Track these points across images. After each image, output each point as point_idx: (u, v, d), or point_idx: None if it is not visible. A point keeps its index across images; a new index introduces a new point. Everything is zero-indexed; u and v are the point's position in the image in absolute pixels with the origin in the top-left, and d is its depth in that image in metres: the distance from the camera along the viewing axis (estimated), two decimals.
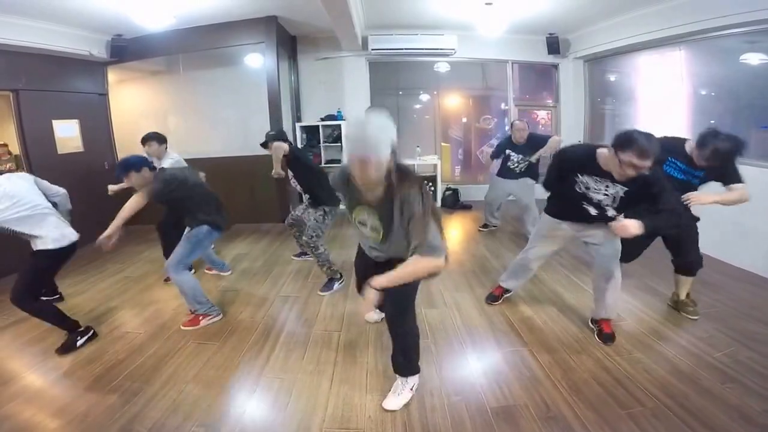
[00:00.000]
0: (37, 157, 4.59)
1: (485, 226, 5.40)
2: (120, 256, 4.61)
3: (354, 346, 2.68)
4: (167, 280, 3.84)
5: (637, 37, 5.15)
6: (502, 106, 7.19)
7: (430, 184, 6.85)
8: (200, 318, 3.03)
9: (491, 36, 6.05)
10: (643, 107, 5.76)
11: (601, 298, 2.67)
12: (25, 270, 2.72)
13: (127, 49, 5.42)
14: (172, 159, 3.72)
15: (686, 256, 2.87)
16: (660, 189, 2.21)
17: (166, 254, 3.75)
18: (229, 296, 3.53)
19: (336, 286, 3.56)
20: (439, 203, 6.89)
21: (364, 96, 6.64)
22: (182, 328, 2.98)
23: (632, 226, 2.16)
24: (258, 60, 5.70)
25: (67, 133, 5.01)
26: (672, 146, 2.68)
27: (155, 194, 2.83)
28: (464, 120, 7.42)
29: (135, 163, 2.83)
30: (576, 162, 2.41)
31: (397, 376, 2.20)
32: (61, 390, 2.33)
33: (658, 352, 2.50)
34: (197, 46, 5.51)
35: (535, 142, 4.58)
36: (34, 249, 2.68)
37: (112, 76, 5.83)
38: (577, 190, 2.41)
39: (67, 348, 2.74)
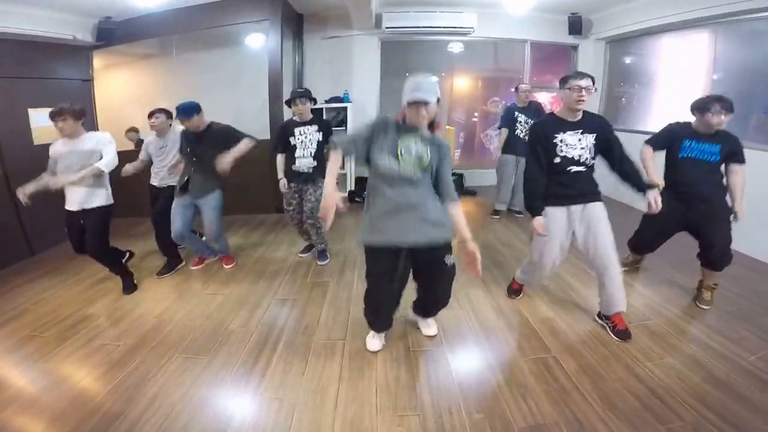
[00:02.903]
0: (10, 148, 4.34)
1: (496, 212, 5.34)
2: None
3: (361, 357, 2.46)
4: (160, 273, 3.78)
5: (666, 18, 4.95)
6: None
7: None
8: (205, 260, 3.94)
9: (513, 14, 5.90)
10: (664, 91, 5.61)
11: (609, 291, 2.62)
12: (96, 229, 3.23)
13: (115, 32, 5.17)
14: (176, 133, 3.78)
15: (714, 250, 2.88)
16: (611, 128, 2.63)
17: (162, 242, 3.85)
18: (218, 301, 3.27)
19: (329, 255, 4.03)
20: None
21: (374, 77, 6.43)
22: (192, 268, 3.84)
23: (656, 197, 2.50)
24: (259, 39, 5.47)
25: (46, 123, 4.61)
26: (681, 129, 2.95)
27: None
28: (468, 102, 7.22)
29: (197, 106, 3.36)
30: (548, 125, 2.62)
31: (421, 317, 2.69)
32: (36, 414, 2.11)
33: (689, 355, 2.39)
34: (195, 26, 5.26)
35: (535, 105, 5.01)
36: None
37: (99, 60, 5.59)
38: (559, 154, 2.57)
39: (130, 289, 3.46)
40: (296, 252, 4.19)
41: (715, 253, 2.86)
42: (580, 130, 2.55)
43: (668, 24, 5.03)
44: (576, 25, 6.28)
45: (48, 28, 4.58)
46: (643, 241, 3.28)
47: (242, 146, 3.41)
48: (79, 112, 3.10)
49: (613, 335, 2.61)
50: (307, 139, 3.54)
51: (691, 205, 2.89)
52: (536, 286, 3.16)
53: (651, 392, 2.09)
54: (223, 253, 3.93)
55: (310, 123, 3.57)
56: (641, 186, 2.54)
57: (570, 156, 2.57)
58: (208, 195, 3.51)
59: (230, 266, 3.89)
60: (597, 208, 2.61)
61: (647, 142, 3.06)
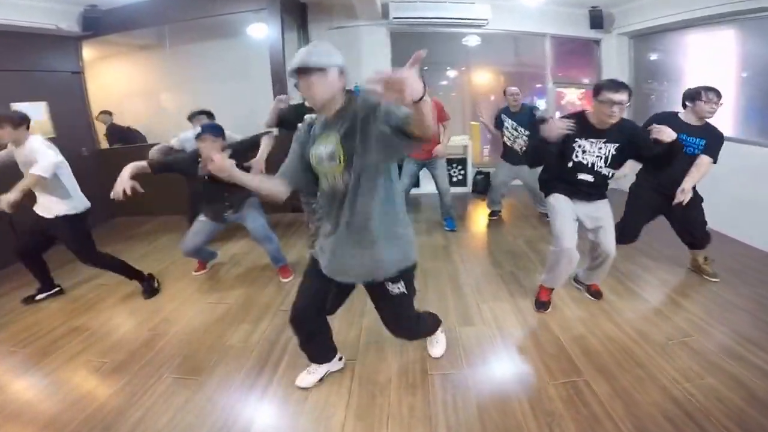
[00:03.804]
0: None
1: (494, 213, 5.17)
2: None
3: (372, 381, 2.28)
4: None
5: (690, 13, 4.82)
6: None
7: (460, 167, 6.62)
8: (288, 267, 3.63)
9: (529, 5, 5.77)
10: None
11: (597, 272, 2.94)
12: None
13: (101, 21, 5.05)
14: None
15: (695, 234, 3.22)
16: (641, 133, 2.59)
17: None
18: (219, 311, 3.09)
19: None
20: (470, 188, 6.59)
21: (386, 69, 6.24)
22: (282, 280, 3.54)
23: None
24: (259, 30, 5.33)
25: (33, 117, 4.46)
26: (667, 120, 2.89)
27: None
28: (492, 98, 7.10)
29: (222, 130, 3.12)
30: (577, 126, 2.54)
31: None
32: None
33: (731, 374, 2.25)
34: (185, 16, 5.11)
35: (530, 112, 4.55)
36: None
37: (90, 52, 5.47)
38: (574, 159, 2.60)
39: (149, 293, 3.37)
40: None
41: (697, 237, 3.22)
42: (604, 139, 2.55)
43: (692, 19, 4.89)
44: (597, 19, 6.13)
45: (29, 17, 4.43)
46: (627, 228, 3.23)
47: (264, 147, 3.29)
48: (18, 120, 2.97)
49: (588, 296, 3.10)
50: None
51: (670, 196, 3.03)
52: (563, 283, 2.97)
53: (688, 417, 1.96)
54: (278, 262, 3.61)
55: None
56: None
57: (585, 163, 2.60)
58: (248, 201, 3.39)
59: (288, 278, 3.58)
60: (601, 204, 2.74)
61: None
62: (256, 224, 3.39)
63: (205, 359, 2.51)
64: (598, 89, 2.44)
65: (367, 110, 1.53)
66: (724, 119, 4.58)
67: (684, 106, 3.04)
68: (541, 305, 2.97)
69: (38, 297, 3.34)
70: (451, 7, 5.76)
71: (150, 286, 3.42)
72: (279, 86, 5.02)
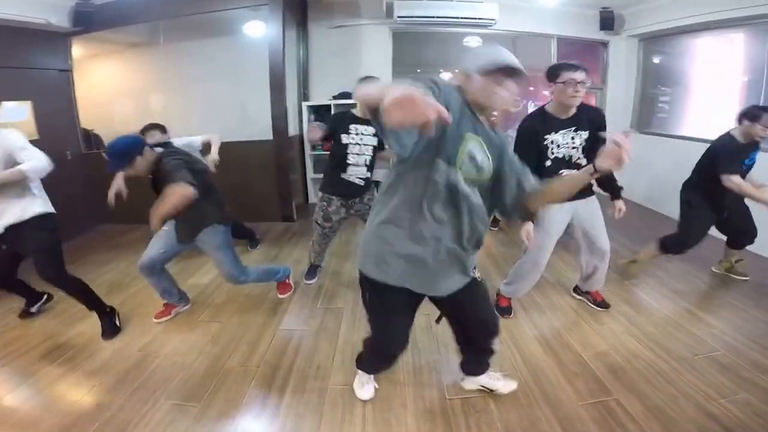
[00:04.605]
0: None
1: (494, 224, 5.12)
2: (82, 267, 4.02)
3: (387, 408, 2.15)
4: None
5: (705, 16, 4.82)
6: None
7: None
8: (288, 283, 3.43)
9: (543, 5, 5.78)
10: (699, 93, 5.57)
11: (595, 276, 2.94)
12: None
13: (94, 17, 4.91)
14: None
15: (748, 234, 3.32)
16: (605, 122, 2.59)
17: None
18: (213, 330, 2.94)
19: (319, 272, 3.73)
20: None
21: (386, 71, 6.20)
22: (279, 296, 3.36)
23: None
24: (258, 27, 5.24)
25: (15, 117, 4.42)
26: (740, 145, 3.00)
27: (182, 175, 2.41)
28: None
29: (136, 145, 2.51)
30: (539, 124, 2.57)
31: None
32: None
33: (764, 389, 2.23)
34: (182, 11, 5.00)
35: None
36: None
37: (80, 49, 5.33)
38: (550, 157, 2.55)
39: (111, 333, 2.88)
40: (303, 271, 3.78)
41: (750, 235, 3.32)
42: (574, 127, 2.53)
43: (706, 22, 4.89)
44: (608, 21, 6.10)
45: (18, 11, 4.27)
46: (688, 244, 3.31)
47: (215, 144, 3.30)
48: None
49: (594, 306, 3.07)
50: (362, 141, 3.07)
51: (725, 209, 3.20)
52: (522, 295, 3.06)
53: None
54: (277, 279, 3.36)
55: (369, 122, 3.12)
56: (615, 192, 2.74)
57: (561, 157, 2.56)
58: (203, 232, 2.73)
59: (285, 294, 3.37)
60: (592, 202, 2.74)
61: (730, 172, 2.96)
62: (223, 272, 2.88)
63: (202, 383, 2.37)
64: (555, 73, 2.42)
65: (501, 152, 1.60)
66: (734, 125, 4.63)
67: (740, 122, 2.98)
68: (505, 311, 3.02)
69: (32, 309, 3.16)
70: (458, 6, 5.69)
71: (112, 324, 2.94)
72: (277, 86, 4.92)
